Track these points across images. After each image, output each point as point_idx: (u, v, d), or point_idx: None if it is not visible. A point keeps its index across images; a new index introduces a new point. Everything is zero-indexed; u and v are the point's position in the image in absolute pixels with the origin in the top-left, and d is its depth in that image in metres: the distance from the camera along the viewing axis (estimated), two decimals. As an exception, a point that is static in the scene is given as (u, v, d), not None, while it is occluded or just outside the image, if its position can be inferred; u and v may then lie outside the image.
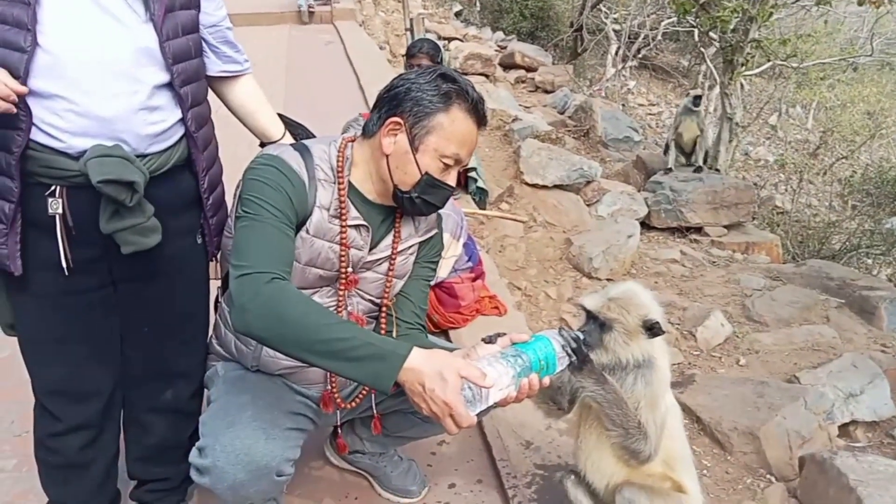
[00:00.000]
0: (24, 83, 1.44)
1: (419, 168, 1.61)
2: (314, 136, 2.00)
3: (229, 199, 1.84)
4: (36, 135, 1.49)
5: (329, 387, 1.80)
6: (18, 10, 1.43)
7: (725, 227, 6.79)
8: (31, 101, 1.47)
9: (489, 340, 1.53)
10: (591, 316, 1.68)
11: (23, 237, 1.57)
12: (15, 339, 1.74)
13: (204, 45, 1.73)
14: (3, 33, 1.43)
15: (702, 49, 10.18)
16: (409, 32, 7.01)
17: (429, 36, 7.56)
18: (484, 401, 1.39)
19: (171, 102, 1.62)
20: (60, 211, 1.54)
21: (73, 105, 1.48)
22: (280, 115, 2.00)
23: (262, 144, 1.96)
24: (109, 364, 1.78)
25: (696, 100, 7.28)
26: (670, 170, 7.07)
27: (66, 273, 1.59)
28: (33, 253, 1.59)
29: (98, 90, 1.50)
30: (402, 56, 8.60)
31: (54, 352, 1.70)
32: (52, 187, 1.53)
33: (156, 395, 1.86)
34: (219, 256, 1.90)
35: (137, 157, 1.56)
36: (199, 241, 1.81)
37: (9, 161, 1.49)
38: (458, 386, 1.35)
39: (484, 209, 4.69)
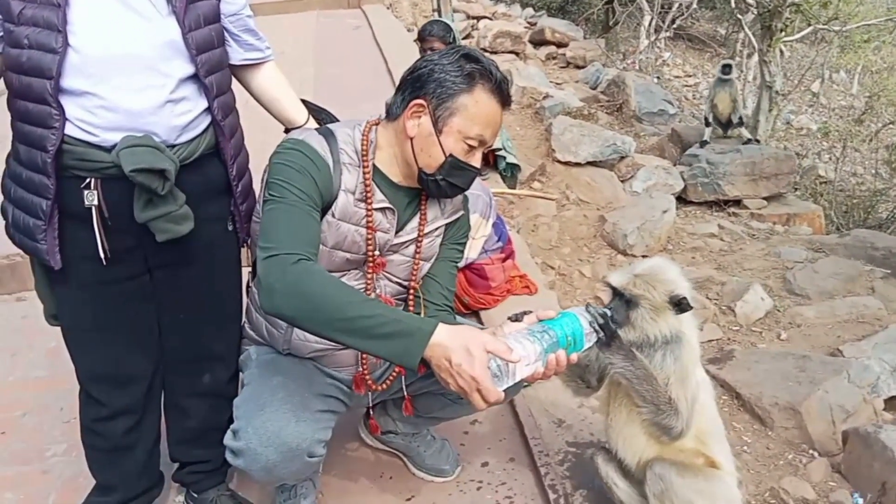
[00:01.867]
0: (57, 83, 1.48)
1: (443, 150, 1.61)
2: (338, 120, 2.02)
3: (257, 187, 1.87)
4: (70, 130, 1.53)
5: (360, 369, 1.83)
6: (49, 12, 1.47)
7: (765, 198, 6.62)
8: (63, 100, 1.51)
9: (516, 318, 1.53)
10: (617, 293, 1.66)
11: (61, 230, 1.62)
12: (59, 329, 1.80)
13: (226, 34, 1.74)
14: (36, 36, 1.47)
15: (739, 16, 9.88)
16: (436, 13, 6.96)
17: (456, 16, 7.52)
18: (511, 376, 1.39)
19: (196, 93, 1.65)
20: (96, 202, 1.58)
21: (103, 101, 1.52)
22: (303, 101, 2.01)
23: (287, 131, 1.98)
24: (148, 350, 1.84)
25: (726, 68, 7.07)
26: (706, 142, 6.92)
27: (105, 263, 1.64)
28: (72, 245, 1.63)
29: (126, 85, 1.53)
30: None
31: (95, 339, 1.75)
32: (87, 180, 1.57)
33: (194, 379, 1.90)
34: (249, 242, 1.93)
35: (167, 147, 1.59)
36: (230, 227, 1.85)
37: (44, 159, 1.53)
38: (484, 360, 1.36)
39: (515, 185, 4.66)
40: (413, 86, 1.62)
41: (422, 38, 3.86)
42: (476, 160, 1.66)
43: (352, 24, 8.46)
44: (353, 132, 1.69)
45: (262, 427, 1.59)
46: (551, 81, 8.64)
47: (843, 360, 3.27)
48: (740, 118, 7.09)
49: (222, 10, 1.70)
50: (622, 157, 6.08)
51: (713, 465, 1.72)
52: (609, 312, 1.58)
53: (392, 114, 1.67)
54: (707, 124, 7.09)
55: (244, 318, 1.94)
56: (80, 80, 1.50)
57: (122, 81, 1.52)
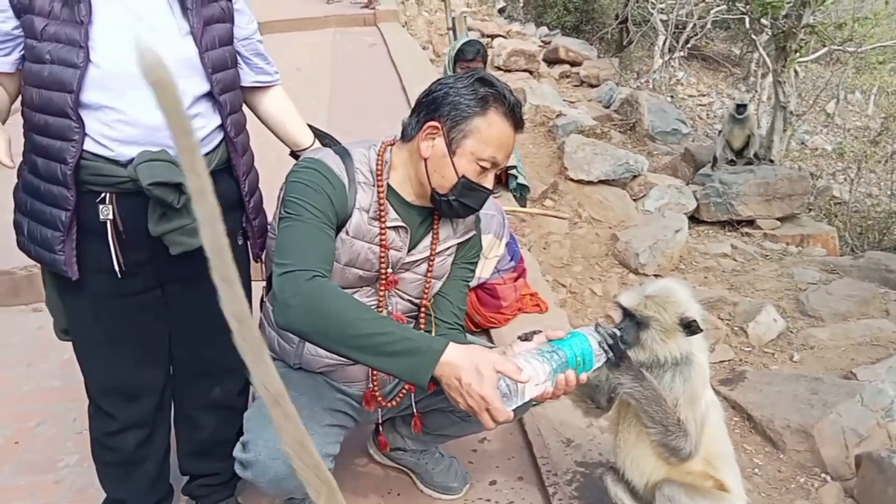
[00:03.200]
0: (78, 97, 1.52)
1: (456, 171, 1.63)
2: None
3: (266, 205, 1.90)
4: (88, 144, 1.57)
5: (370, 385, 1.84)
6: (71, 28, 1.51)
7: (779, 219, 6.60)
8: (83, 114, 1.55)
9: (525, 338, 1.54)
10: (627, 313, 1.67)
11: (77, 244, 1.64)
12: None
13: (237, 57, 1.79)
14: (58, 51, 1.51)
15: (753, 36, 9.89)
16: (451, 31, 7.03)
17: (471, 34, 7.58)
18: (520, 396, 1.40)
19: (210, 110, 1.69)
20: (111, 217, 1.61)
21: (122, 115, 1.56)
22: (309, 125, 2.05)
23: (293, 154, 2.00)
24: (159, 363, 1.86)
25: (741, 108, 6.95)
26: (716, 159, 6.87)
27: (119, 276, 1.66)
28: (87, 258, 1.66)
29: (145, 101, 1.56)
30: (444, 54, 8.64)
31: (108, 353, 1.77)
32: (102, 194, 1.60)
33: (204, 392, 1.92)
34: (263, 257, 1.96)
35: None
36: (241, 242, 1.88)
37: (64, 172, 1.56)
38: (494, 380, 1.36)
39: (524, 206, 4.68)
40: (428, 108, 1.65)
41: (467, 59, 3.80)
42: (488, 181, 1.68)
43: (368, 42, 8.56)
44: (368, 152, 1.72)
45: (271, 440, 1.60)
46: (564, 100, 8.68)
47: (857, 384, 3.24)
48: (755, 154, 6.97)
49: (235, 34, 1.75)
50: (635, 176, 6.09)
51: (722, 489, 1.71)
52: (619, 333, 1.59)
53: (407, 135, 1.70)
54: (714, 161, 6.96)
55: (256, 333, 1.95)
56: (99, 95, 1.54)
57: (141, 97, 1.55)
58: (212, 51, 1.66)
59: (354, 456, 2.28)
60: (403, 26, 9.46)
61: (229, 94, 1.72)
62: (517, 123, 1.66)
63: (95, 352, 1.78)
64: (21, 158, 1.68)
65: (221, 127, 1.72)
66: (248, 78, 1.84)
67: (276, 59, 1.93)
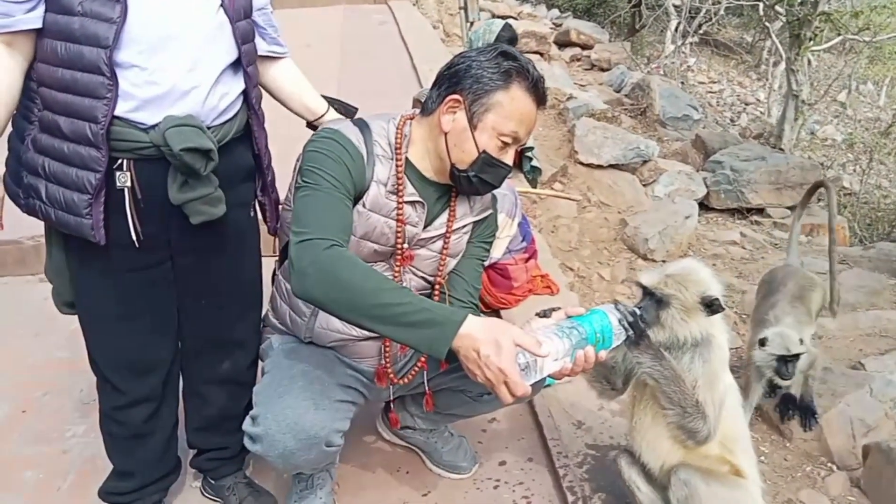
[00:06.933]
0: (111, 54, 1.46)
1: (477, 146, 1.60)
2: (355, 109, 2.01)
3: (278, 181, 1.89)
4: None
5: (382, 361, 1.82)
6: None
7: (789, 208, 6.54)
8: (116, 72, 1.49)
9: (544, 314, 1.52)
10: (647, 292, 1.65)
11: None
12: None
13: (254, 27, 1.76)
14: (91, 4, 1.45)
15: (767, 24, 9.77)
16: (462, 11, 6.94)
17: (482, 14, 7.50)
18: (539, 371, 1.38)
19: (232, 78, 1.67)
20: (129, 184, 1.57)
21: (152, 76, 1.51)
22: (323, 96, 2.01)
23: (310, 125, 1.97)
24: (169, 337, 1.84)
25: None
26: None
27: (137, 247, 1.62)
28: (104, 228, 1.60)
29: (177, 64, 1.53)
30: (454, 34, 8.55)
31: (119, 327, 1.74)
32: (119, 160, 1.56)
33: (213, 366, 1.91)
34: (277, 231, 1.94)
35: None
36: (252, 214, 1.86)
37: (95, 131, 1.50)
38: (513, 353, 1.34)
39: (535, 188, 4.65)
40: (450, 81, 1.62)
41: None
42: (509, 158, 1.65)
43: (377, 20, 8.48)
44: (387, 125, 1.70)
45: (282, 414, 1.59)
46: (575, 83, 8.60)
47: (866, 374, 3.21)
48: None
49: (253, 4, 1.72)
50: (645, 161, 6.02)
51: (738, 473, 1.69)
52: (639, 311, 1.57)
53: (427, 109, 1.68)
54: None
55: (268, 307, 1.94)
56: (130, 54, 1.49)
57: (174, 59, 1.53)
58: (239, 21, 1.64)
59: (363, 433, 2.28)
60: (414, 5, 9.36)
61: (253, 66, 1.71)
62: (540, 99, 1.63)
63: (105, 326, 1.75)
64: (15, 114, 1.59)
65: (242, 95, 1.70)
66: (263, 47, 1.81)
67: (285, 34, 1.91)
